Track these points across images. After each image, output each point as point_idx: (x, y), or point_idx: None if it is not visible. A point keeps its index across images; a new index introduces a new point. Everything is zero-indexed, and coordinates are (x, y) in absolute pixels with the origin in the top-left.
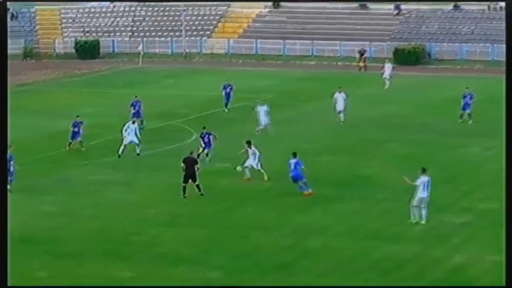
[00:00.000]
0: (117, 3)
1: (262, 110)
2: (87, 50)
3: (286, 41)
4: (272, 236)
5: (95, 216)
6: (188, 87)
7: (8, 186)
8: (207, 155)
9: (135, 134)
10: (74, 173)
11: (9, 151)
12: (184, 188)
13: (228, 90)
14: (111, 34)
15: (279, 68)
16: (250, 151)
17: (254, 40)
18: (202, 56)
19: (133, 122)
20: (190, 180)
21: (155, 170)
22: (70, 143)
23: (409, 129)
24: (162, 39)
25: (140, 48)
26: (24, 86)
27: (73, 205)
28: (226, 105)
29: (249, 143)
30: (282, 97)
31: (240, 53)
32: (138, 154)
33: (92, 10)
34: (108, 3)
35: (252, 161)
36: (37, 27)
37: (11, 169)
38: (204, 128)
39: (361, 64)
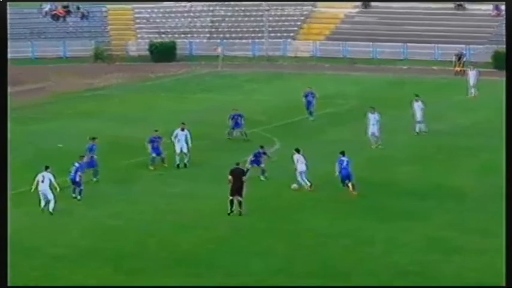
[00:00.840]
0: (194, 3)
1: (372, 118)
2: (162, 52)
3: (377, 43)
4: (348, 247)
5: (158, 228)
6: (270, 93)
7: (94, 179)
8: (262, 173)
9: (185, 141)
10: (143, 183)
11: (92, 142)
12: (232, 201)
13: (310, 98)
14: (188, 35)
15: (368, 73)
16: (295, 158)
17: (342, 42)
18: (285, 59)
19: (183, 129)
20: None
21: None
22: (154, 159)
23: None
24: (243, 41)
25: (219, 50)
26: (94, 90)
27: (137, 216)
28: (310, 113)
29: (297, 150)
30: (370, 103)
31: (326, 56)
32: (185, 165)
33: (168, 10)
34: (184, 2)
35: (302, 168)
36: (109, 27)
37: (94, 160)
38: (261, 147)
39: (458, 68)
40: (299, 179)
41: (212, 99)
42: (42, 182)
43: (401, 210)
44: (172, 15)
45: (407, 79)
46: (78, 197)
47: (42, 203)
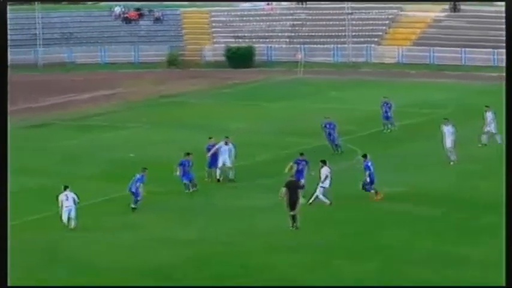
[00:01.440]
0: (274, 5)
1: (446, 131)
2: (240, 58)
3: (466, 49)
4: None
5: (232, 244)
6: (353, 101)
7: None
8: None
9: (229, 155)
10: (218, 196)
11: (187, 158)
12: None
13: (385, 108)
14: (267, 40)
15: (458, 80)
16: (323, 171)
17: (429, 48)
18: (369, 65)
19: (226, 143)
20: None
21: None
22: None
23: None
24: (324, 46)
25: (299, 56)
26: (167, 97)
27: (211, 232)
28: (386, 124)
29: (323, 162)
30: (459, 112)
31: (413, 63)
32: (230, 180)
33: (245, 13)
34: (262, 4)
35: (326, 184)
36: (183, 31)
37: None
38: (301, 154)
39: None
40: (320, 196)
41: (292, 107)
42: (67, 200)
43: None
44: (251, 18)
45: (498, 87)
46: (133, 206)
47: (65, 220)
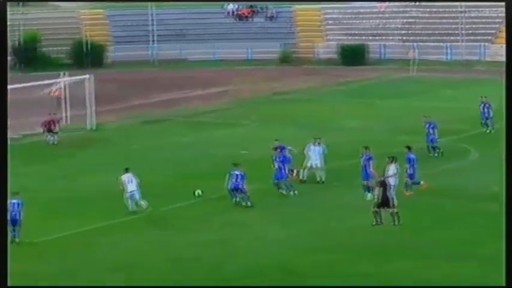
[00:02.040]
0: (390, 3)
1: None
2: (352, 56)
3: None
4: None
5: (331, 246)
6: (467, 99)
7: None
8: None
9: (319, 156)
10: (320, 195)
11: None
12: (376, 213)
13: (483, 108)
14: (380, 38)
15: None
16: (390, 168)
17: None
18: (483, 63)
19: (315, 144)
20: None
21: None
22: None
23: None
24: (437, 44)
25: (412, 54)
26: (279, 94)
27: (309, 232)
28: (485, 124)
29: (391, 158)
30: None
31: None
32: (319, 181)
33: (357, 10)
34: (376, 2)
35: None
36: (296, 29)
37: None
38: (366, 148)
39: None
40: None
41: (404, 105)
42: (131, 183)
43: None
44: (364, 16)
45: None
46: (249, 203)
47: (130, 205)
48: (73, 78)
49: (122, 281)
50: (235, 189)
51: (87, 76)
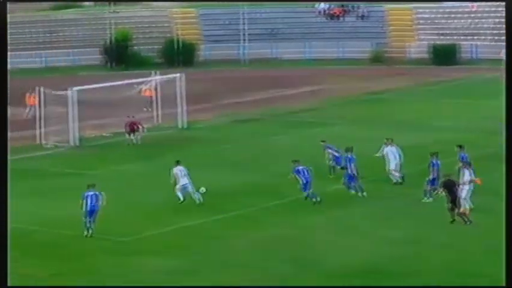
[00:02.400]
0: (481, 3)
1: None
2: (444, 55)
3: None
4: None
5: (448, 246)
6: None
7: (360, 194)
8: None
9: (394, 158)
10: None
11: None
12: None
13: None
14: (471, 37)
15: None
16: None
17: None
18: None
19: (391, 144)
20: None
21: None
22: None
23: None
24: None
25: (503, 54)
26: (372, 94)
27: (423, 232)
28: None
29: (466, 164)
30: None
31: None
32: (397, 182)
33: (449, 10)
34: (468, 2)
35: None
36: (388, 28)
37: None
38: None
39: None
40: (467, 199)
41: (497, 105)
42: (183, 176)
43: None
44: (457, 15)
45: None
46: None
47: (181, 197)
48: (164, 76)
49: (236, 281)
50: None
51: (178, 75)
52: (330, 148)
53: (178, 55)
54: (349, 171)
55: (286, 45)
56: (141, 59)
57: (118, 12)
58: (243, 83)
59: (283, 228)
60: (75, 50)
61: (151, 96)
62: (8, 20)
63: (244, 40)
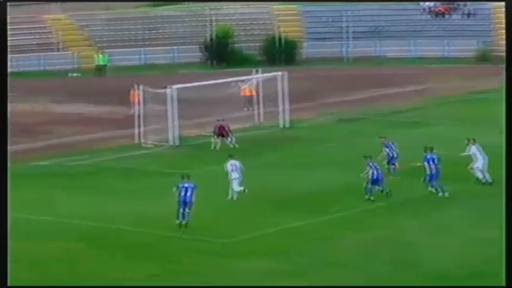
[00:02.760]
0: None
1: None
2: None
3: None
4: None
5: None
6: None
7: (441, 194)
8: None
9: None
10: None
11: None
12: None
13: None
14: None
15: None
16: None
17: None
18: None
19: (469, 144)
20: None
21: None
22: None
23: None
24: None
25: None
26: (476, 94)
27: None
28: None
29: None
30: None
31: None
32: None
33: None
34: None
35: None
36: (494, 26)
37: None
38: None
39: None
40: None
41: None
42: (235, 171)
43: None
44: None
45: None
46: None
47: (231, 193)
48: (266, 75)
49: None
50: (378, 181)
51: (280, 73)
52: (387, 146)
53: (280, 53)
54: (429, 171)
55: (390, 43)
56: (242, 57)
57: (219, 9)
58: (346, 81)
59: (384, 230)
60: (175, 47)
61: (251, 95)
62: (106, 17)
63: (347, 38)
